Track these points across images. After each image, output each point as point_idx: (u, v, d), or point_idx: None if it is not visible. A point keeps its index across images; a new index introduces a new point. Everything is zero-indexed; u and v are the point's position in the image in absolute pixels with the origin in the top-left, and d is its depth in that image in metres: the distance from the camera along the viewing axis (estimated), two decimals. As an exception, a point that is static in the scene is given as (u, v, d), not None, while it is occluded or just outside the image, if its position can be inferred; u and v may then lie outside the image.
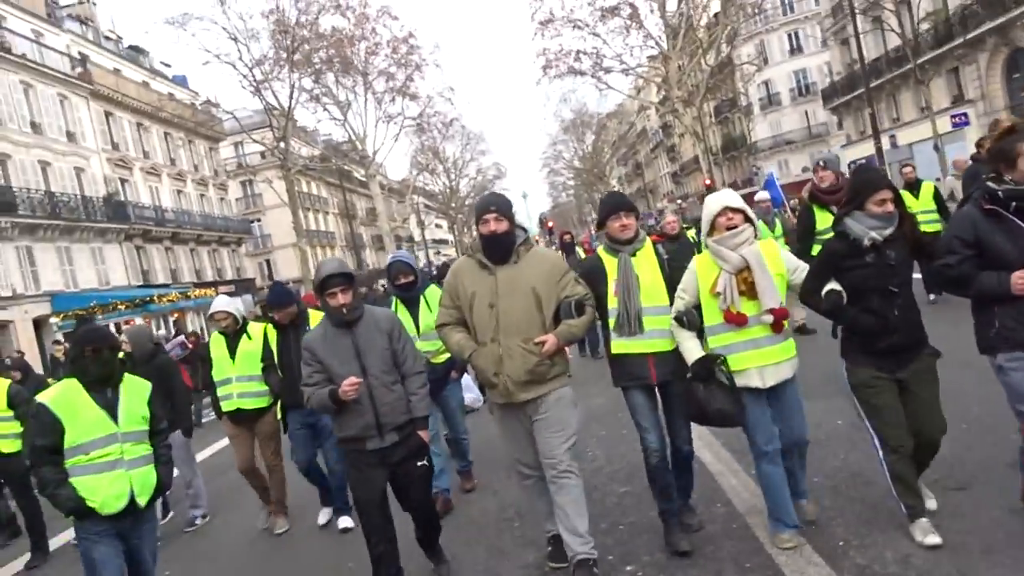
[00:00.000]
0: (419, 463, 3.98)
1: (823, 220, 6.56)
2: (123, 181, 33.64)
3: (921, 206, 9.14)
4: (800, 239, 6.75)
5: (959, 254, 3.36)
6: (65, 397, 3.74)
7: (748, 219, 3.69)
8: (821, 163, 7.09)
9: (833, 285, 3.52)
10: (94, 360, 3.74)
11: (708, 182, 39.35)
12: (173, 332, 22.67)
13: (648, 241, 4.06)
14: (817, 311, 3.69)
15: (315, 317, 5.41)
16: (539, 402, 3.80)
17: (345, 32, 36.62)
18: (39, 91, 28.77)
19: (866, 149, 30.69)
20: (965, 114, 28.40)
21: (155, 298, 27.92)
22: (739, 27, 39.59)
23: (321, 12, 35.34)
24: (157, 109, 37.17)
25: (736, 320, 3.61)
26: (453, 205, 72.55)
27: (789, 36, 49.10)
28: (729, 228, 3.66)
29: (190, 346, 13.70)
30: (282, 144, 38.14)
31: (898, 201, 3.48)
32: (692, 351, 3.74)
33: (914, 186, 9.50)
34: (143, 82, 38.07)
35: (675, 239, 7.74)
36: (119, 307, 26.87)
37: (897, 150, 33.21)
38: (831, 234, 6.11)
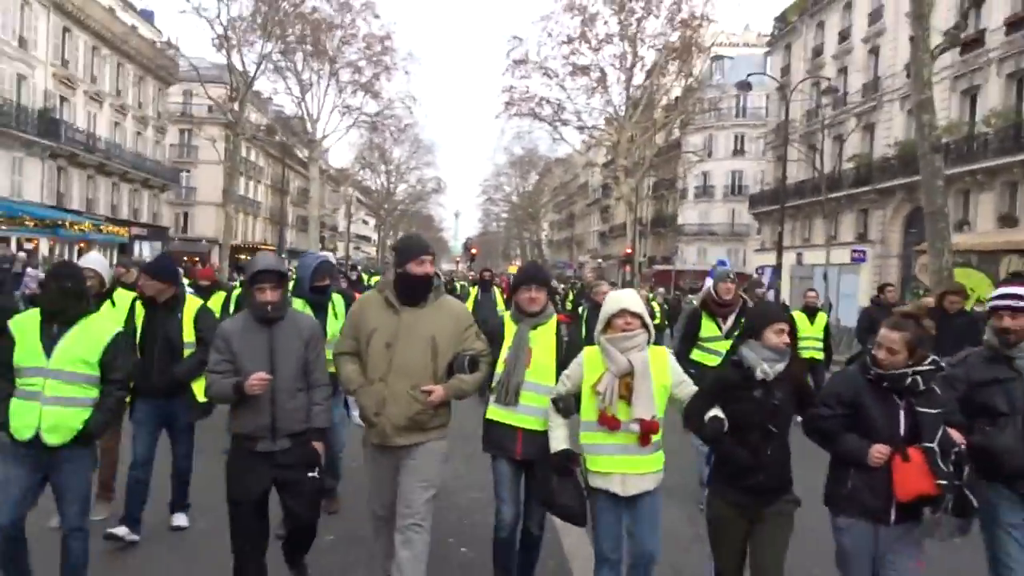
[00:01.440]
0: (309, 474, 3.86)
1: (708, 329, 6.60)
2: (63, 99, 32.95)
3: (812, 332, 9.90)
4: (681, 341, 6.74)
5: (832, 409, 3.49)
6: (24, 321, 3.92)
7: (644, 325, 3.70)
8: (731, 276, 7.04)
9: (716, 412, 3.50)
10: (47, 293, 3.89)
11: (629, 250, 41.40)
12: (27, 261, 19.51)
13: (553, 319, 4.13)
14: (696, 433, 3.72)
15: (191, 304, 5.21)
16: (412, 449, 3.79)
17: (325, 17, 37.12)
18: (3, -11, 28.17)
19: (771, 259, 33.11)
20: (864, 251, 31.10)
21: (66, 223, 27.48)
22: (693, 118, 42.08)
23: (304, -9, 35.76)
24: (116, 37, 36.56)
25: (609, 423, 3.60)
26: (385, 206, 72.86)
27: (736, 137, 52.20)
28: (624, 330, 3.65)
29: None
30: (235, 107, 38.15)
31: (792, 336, 3.56)
32: (558, 440, 3.77)
33: (812, 312, 10.18)
34: (109, 8, 37.42)
35: (598, 308, 7.95)
36: (27, 222, 26.40)
37: (801, 267, 35.90)
38: (715, 343, 6.55)
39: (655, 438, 3.62)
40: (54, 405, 3.77)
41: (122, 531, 4.90)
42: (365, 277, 20.90)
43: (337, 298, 5.87)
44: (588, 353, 3.77)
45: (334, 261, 6.19)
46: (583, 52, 36.90)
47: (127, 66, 38.72)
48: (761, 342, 3.51)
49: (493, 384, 4.01)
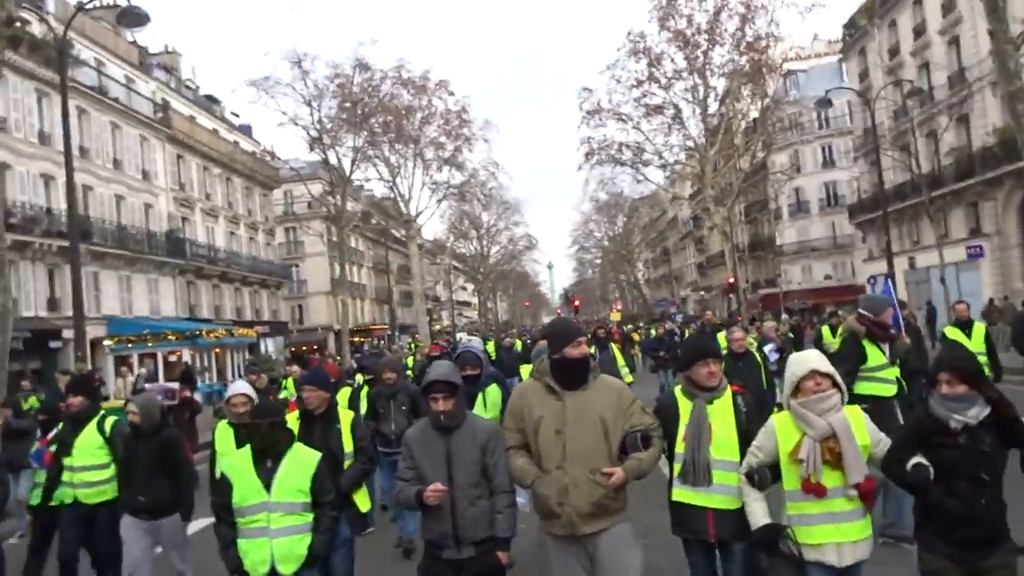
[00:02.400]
0: None
1: (874, 357, 6.12)
2: (184, 219, 36.01)
3: (973, 347, 8.51)
4: (847, 374, 5.68)
5: None
6: (236, 462, 4.17)
7: (836, 384, 3.57)
8: (890, 301, 6.57)
9: (920, 459, 3.31)
10: (257, 433, 4.10)
11: (731, 280, 41.00)
12: (147, 375, 20.98)
13: (728, 390, 4.00)
14: (899, 484, 3.56)
15: (345, 413, 5.27)
16: (600, 536, 3.71)
17: (403, 102, 39.22)
18: (124, 131, 31.39)
19: (886, 266, 32.21)
20: (980, 246, 29.99)
21: (203, 332, 29.79)
22: (774, 137, 41.81)
23: (383, 80, 38.04)
24: (223, 155, 39.80)
25: (815, 491, 3.45)
26: (482, 270, 74.71)
27: (823, 148, 51.32)
28: (816, 392, 3.53)
29: (180, 397, 12.10)
30: (330, 197, 40.57)
31: (975, 379, 3.34)
32: (758, 514, 3.61)
33: (966, 325, 9.03)
34: (213, 129, 40.85)
35: (741, 357, 7.53)
36: (169, 337, 28.79)
37: (915, 271, 34.76)
38: (884, 371, 6.00)
39: (849, 504, 3.48)
40: (282, 536, 3.99)
41: None
42: (518, 344, 20.32)
43: (493, 390, 5.88)
44: (779, 421, 3.67)
45: (476, 348, 6.31)
46: (654, 92, 37.47)
47: (234, 179, 41.96)
48: (939, 394, 3.33)
49: (677, 465, 3.89)
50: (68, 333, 27.01)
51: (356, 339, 47.64)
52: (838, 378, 3.58)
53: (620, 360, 10.15)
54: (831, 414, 3.49)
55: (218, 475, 4.27)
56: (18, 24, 14.56)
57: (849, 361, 5.89)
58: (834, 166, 49.72)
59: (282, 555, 3.98)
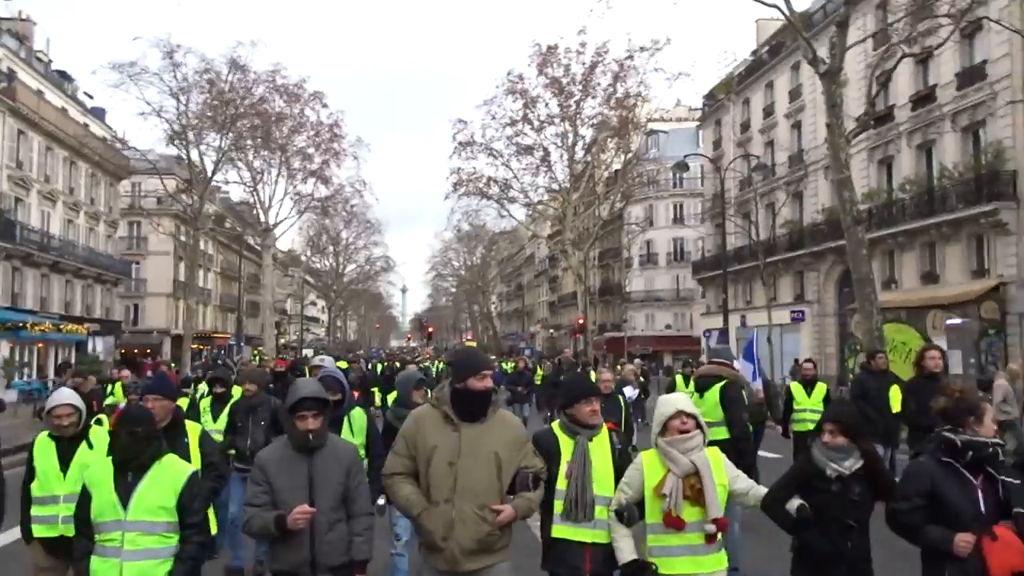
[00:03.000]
0: None
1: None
2: (18, 200, 33.21)
3: (811, 404, 9.67)
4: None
5: (911, 502, 3.48)
6: (97, 473, 3.77)
7: (699, 425, 3.78)
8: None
9: (801, 500, 3.60)
10: (121, 442, 3.72)
11: (581, 320, 42.76)
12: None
13: (605, 428, 4.10)
14: (777, 521, 3.80)
15: (192, 427, 4.91)
16: (482, 573, 3.65)
17: (275, 108, 38.32)
18: (-40, 98, 28.73)
19: (718, 322, 34.78)
20: (803, 311, 33.08)
21: (27, 324, 27.52)
22: (633, 190, 44.27)
23: (255, 83, 37.06)
24: (70, 137, 37.16)
25: (675, 524, 3.62)
26: (335, 287, 73.36)
27: (675, 206, 54.78)
28: (682, 432, 3.71)
29: None
30: (184, 195, 38.77)
31: (856, 434, 3.68)
32: (625, 551, 3.74)
33: (810, 383, 9.98)
34: (62, 108, 38.10)
35: (607, 398, 7.56)
36: (-13, 326, 26.41)
37: (745, 328, 37.70)
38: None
39: (718, 536, 3.70)
40: (135, 560, 3.59)
41: None
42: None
43: (358, 414, 5.78)
44: (646, 458, 3.83)
45: (336, 372, 6.12)
46: (526, 133, 38.91)
47: (80, 163, 39.19)
48: (823, 443, 3.65)
49: (558, 501, 3.89)
50: None
51: (196, 346, 45.32)
52: (701, 419, 3.82)
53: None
54: (694, 453, 3.70)
55: (78, 486, 3.90)
56: None
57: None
58: (684, 224, 53.14)
59: None
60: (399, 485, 3.76)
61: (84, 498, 3.73)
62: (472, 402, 3.72)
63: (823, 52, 18.29)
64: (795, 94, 35.13)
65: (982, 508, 3.38)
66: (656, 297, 55.25)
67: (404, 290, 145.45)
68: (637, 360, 28.48)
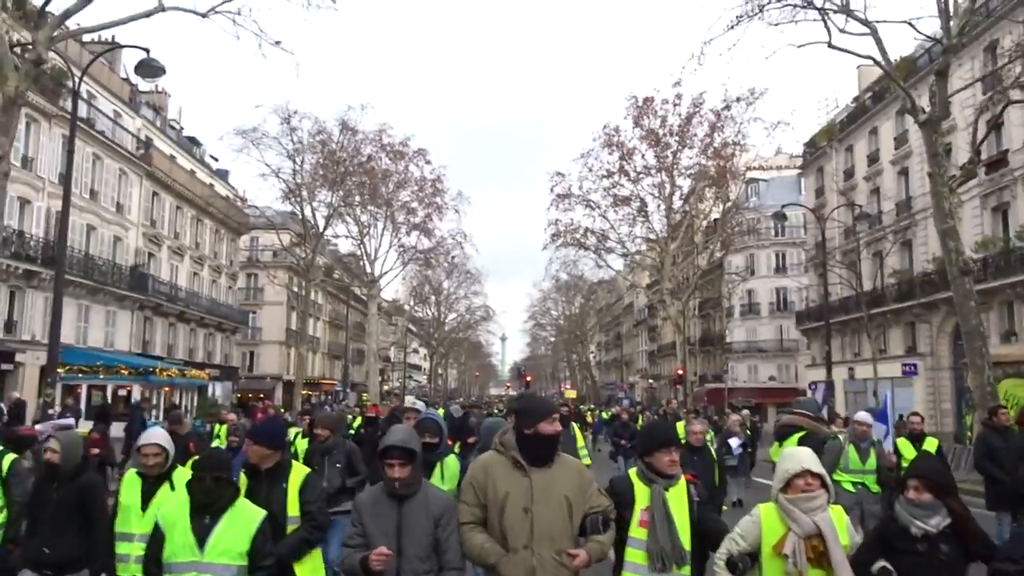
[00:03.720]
0: None
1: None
2: (151, 255, 36.12)
3: None
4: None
5: (1019, 564, 3.28)
6: (172, 513, 3.84)
7: (824, 485, 3.63)
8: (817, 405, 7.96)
9: (884, 563, 3.44)
10: (200, 486, 3.80)
11: (680, 371, 42.22)
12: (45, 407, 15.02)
13: (683, 479, 4.04)
14: None
15: (297, 472, 4.66)
16: None
17: (381, 165, 40.27)
18: (105, 164, 31.77)
19: (826, 373, 33.68)
20: (915, 364, 31.70)
21: (156, 369, 29.67)
22: (732, 239, 43.81)
23: (364, 143, 39.13)
24: (197, 196, 40.23)
25: None
26: (436, 336, 75.12)
27: (777, 255, 53.70)
28: (805, 491, 3.58)
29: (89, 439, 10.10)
30: (297, 248, 41.04)
31: (941, 490, 3.50)
32: None
33: (918, 439, 9.27)
34: (191, 170, 41.35)
35: (697, 451, 7.47)
36: (122, 371, 28.60)
37: (853, 382, 36.37)
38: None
39: None
40: None
41: None
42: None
43: (451, 461, 5.69)
44: (765, 512, 3.69)
45: (435, 416, 6.12)
46: (623, 184, 39.27)
47: (205, 221, 42.28)
48: (905, 499, 3.50)
49: (637, 551, 3.87)
50: (21, 357, 26.79)
51: (305, 392, 47.40)
52: (827, 479, 3.66)
53: (580, 440, 9.73)
54: (817, 513, 3.55)
55: (152, 526, 3.95)
56: (45, 65, 15.14)
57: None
58: (786, 273, 51.98)
59: None
60: (471, 534, 3.72)
61: (156, 538, 3.79)
62: (543, 446, 3.73)
63: (924, 100, 18.04)
64: (901, 140, 34.22)
65: None
66: (758, 348, 53.94)
67: (503, 338, 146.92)
68: (744, 411, 27.86)
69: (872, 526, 5.75)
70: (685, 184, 41.12)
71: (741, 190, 44.24)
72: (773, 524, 3.60)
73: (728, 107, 36.02)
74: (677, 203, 41.04)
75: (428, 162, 41.52)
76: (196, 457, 4.51)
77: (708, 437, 9.21)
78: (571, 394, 59.29)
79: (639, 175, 39.01)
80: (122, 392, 28.59)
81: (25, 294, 27.47)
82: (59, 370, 28.01)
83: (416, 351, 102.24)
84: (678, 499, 3.92)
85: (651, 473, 3.97)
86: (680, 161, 38.37)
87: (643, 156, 38.62)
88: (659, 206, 39.99)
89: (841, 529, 3.57)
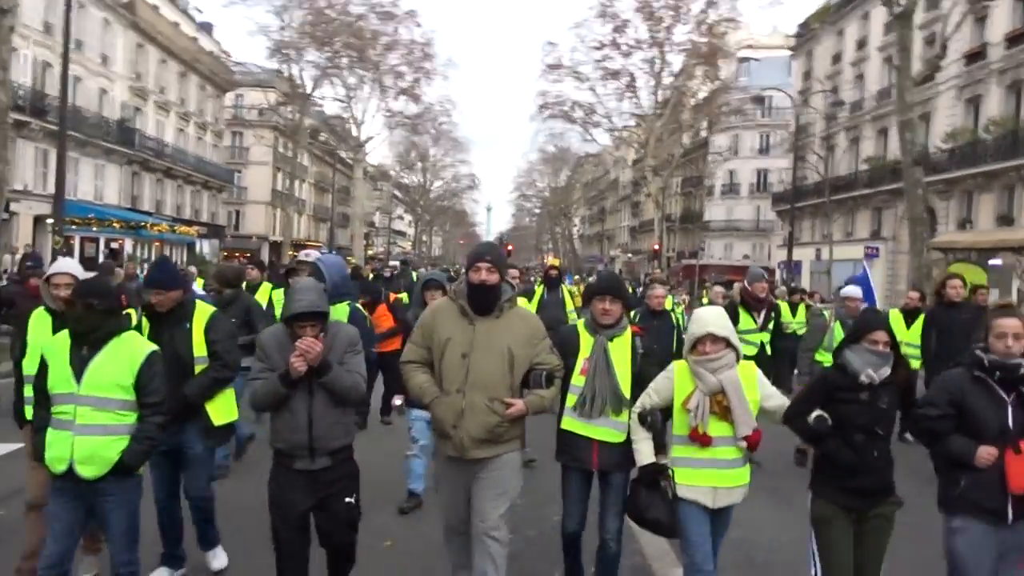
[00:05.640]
0: (347, 499, 3.77)
1: (745, 322, 7.43)
2: (137, 110, 36.15)
3: (910, 338, 8.56)
4: None
5: (940, 409, 3.46)
6: (54, 343, 3.68)
7: (730, 344, 3.74)
8: (764, 277, 7.85)
9: (821, 412, 3.58)
10: (76, 314, 3.57)
11: (656, 247, 43.67)
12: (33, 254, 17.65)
13: (628, 331, 4.12)
14: (799, 433, 3.82)
15: (201, 312, 4.50)
16: (488, 462, 3.73)
17: (370, 25, 39.66)
18: (89, 12, 31.32)
19: (798, 254, 35.18)
20: (877, 248, 33.18)
21: (148, 224, 30.58)
22: (719, 119, 44.11)
23: (351, 2, 38.39)
24: (182, 51, 39.74)
25: (701, 440, 3.65)
26: (422, 203, 75.73)
27: (761, 136, 54.09)
28: (708, 353, 3.70)
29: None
30: (283, 108, 41.01)
31: (894, 345, 3.59)
32: (644, 453, 3.79)
33: (912, 314, 8.86)
34: (175, 22, 40.58)
35: (658, 315, 7.36)
36: (114, 224, 29.55)
37: (820, 263, 37.96)
38: (751, 335, 7.40)
39: (730, 453, 3.70)
40: (86, 434, 3.49)
41: (163, 573, 4.47)
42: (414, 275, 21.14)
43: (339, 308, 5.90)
44: (678, 369, 3.82)
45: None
46: (614, 57, 39.13)
47: (191, 76, 41.89)
48: (862, 347, 3.57)
49: (573, 396, 4.01)
50: (15, 207, 27.52)
51: (291, 253, 48.62)
52: (734, 339, 3.77)
53: (570, 304, 9.50)
54: (723, 371, 3.69)
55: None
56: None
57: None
58: (768, 154, 52.57)
59: (84, 456, 3.49)
60: (413, 373, 3.85)
61: (43, 368, 3.63)
62: (477, 295, 3.76)
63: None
64: (891, 26, 34.10)
65: (1010, 424, 3.35)
66: (736, 227, 55.26)
67: (489, 208, 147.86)
68: (717, 287, 29.16)
69: None
70: (676, 61, 40.99)
71: (732, 69, 44.12)
72: (684, 381, 3.75)
73: (726, -21, 35.42)
74: (667, 80, 41.07)
75: (418, 25, 41.29)
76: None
77: (670, 304, 8.54)
78: (555, 261, 60.85)
79: (630, 49, 38.75)
80: (114, 246, 29.58)
81: (16, 144, 27.84)
82: (51, 220, 28.97)
83: (401, 217, 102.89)
84: (621, 350, 4.05)
85: (595, 324, 4.11)
86: (673, 37, 38.11)
87: (636, 29, 38.31)
88: (648, 82, 40.03)
89: (750, 384, 3.74)
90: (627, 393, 3.96)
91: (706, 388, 3.66)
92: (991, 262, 22.13)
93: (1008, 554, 3.37)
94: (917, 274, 16.66)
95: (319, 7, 36.71)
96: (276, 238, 50.29)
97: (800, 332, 10.03)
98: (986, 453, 3.31)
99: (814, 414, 3.57)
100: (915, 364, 8.10)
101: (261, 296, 7.57)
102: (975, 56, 27.26)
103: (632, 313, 7.36)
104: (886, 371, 3.54)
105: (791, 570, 4.79)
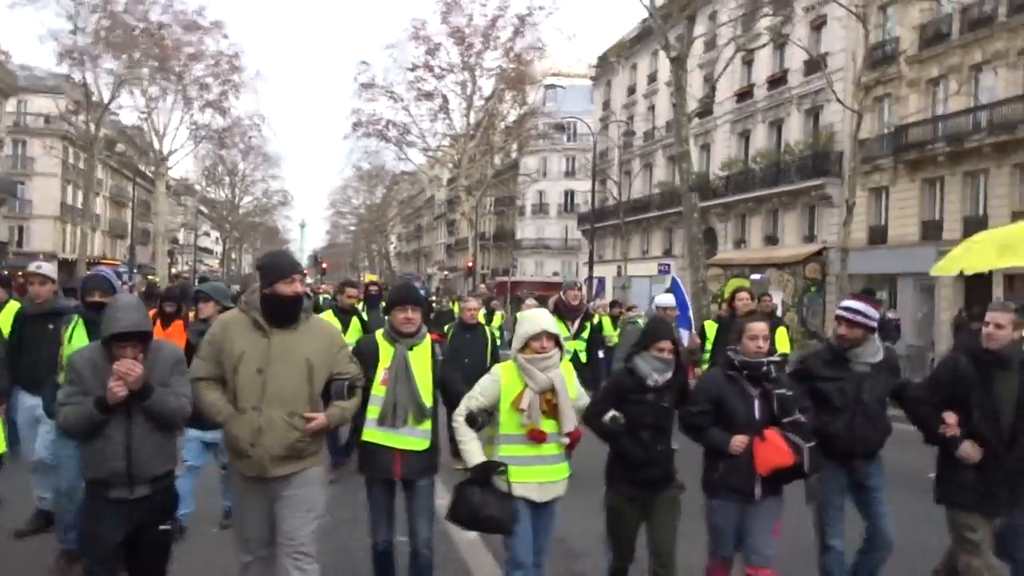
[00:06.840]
0: (161, 527, 3.59)
1: (560, 330, 7.65)
2: None
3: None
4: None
5: (700, 406, 4.00)
6: None
7: (558, 343, 3.93)
8: (578, 285, 8.31)
9: (615, 412, 3.91)
10: None
11: (470, 264, 45.09)
12: None
13: (428, 338, 4.17)
14: (596, 432, 4.04)
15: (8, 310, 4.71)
16: (291, 479, 3.60)
17: (172, 34, 37.98)
18: None
19: (600, 270, 37.81)
20: (669, 264, 36.45)
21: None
22: (528, 141, 46.39)
23: (152, 5, 36.65)
24: (-47, 50, 36.03)
25: (538, 438, 3.80)
26: (230, 219, 72.70)
27: (567, 159, 57.45)
28: (540, 352, 3.84)
29: None
30: (75, 117, 38.16)
31: (676, 352, 4.01)
32: (474, 453, 3.84)
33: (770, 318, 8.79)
34: (-56, 19, 36.74)
35: (471, 329, 7.49)
36: None
37: (620, 278, 41.01)
38: (566, 343, 8.05)
39: (555, 448, 3.90)
40: None
41: None
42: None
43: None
44: (503, 370, 3.95)
45: (107, 273, 5.47)
46: (427, 79, 40.10)
47: (-37, 79, 38.02)
48: (650, 354, 3.98)
49: (375, 407, 4.00)
50: None
51: (88, 272, 45.16)
52: (561, 339, 4.03)
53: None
54: (551, 370, 3.87)
55: None
56: None
57: None
58: (575, 176, 55.87)
59: None
60: (205, 391, 3.63)
61: None
62: (281, 308, 3.61)
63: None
64: (676, 64, 37.87)
65: (756, 415, 3.91)
66: (545, 245, 58.16)
67: (303, 225, 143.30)
68: (530, 301, 30.73)
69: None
70: (487, 86, 42.70)
71: (539, 95, 46.60)
72: (512, 381, 3.87)
73: (531, 14, 37.53)
74: (478, 103, 42.61)
75: (225, 36, 39.82)
76: None
77: (486, 318, 9.00)
78: (372, 277, 60.83)
79: (443, 71, 39.90)
80: None
81: None
82: None
83: (208, 234, 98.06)
84: (421, 358, 4.11)
85: (393, 333, 4.13)
86: (483, 62, 39.69)
87: (448, 53, 39.49)
88: (460, 104, 41.34)
89: (570, 383, 3.96)
90: (428, 401, 4.05)
91: (537, 386, 3.82)
92: (752, 276, 25.32)
93: (762, 524, 3.96)
94: (694, 288, 18.83)
95: (116, 11, 34.75)
96: (67, 256, 46.51)
97: (615, 342, 10.94)
98: (738, 442, 3.86)
99: (609, 414, 3.90)
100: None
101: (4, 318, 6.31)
102: (744, 95, 30.94)
103: (446, 327, 8.00)
104: (669, 374, 3.96)
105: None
